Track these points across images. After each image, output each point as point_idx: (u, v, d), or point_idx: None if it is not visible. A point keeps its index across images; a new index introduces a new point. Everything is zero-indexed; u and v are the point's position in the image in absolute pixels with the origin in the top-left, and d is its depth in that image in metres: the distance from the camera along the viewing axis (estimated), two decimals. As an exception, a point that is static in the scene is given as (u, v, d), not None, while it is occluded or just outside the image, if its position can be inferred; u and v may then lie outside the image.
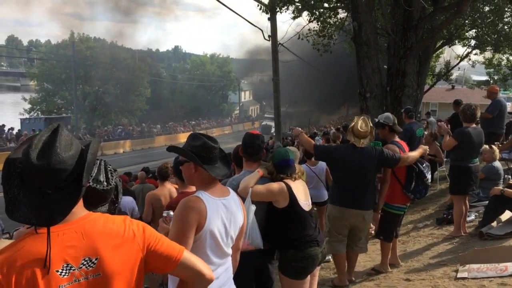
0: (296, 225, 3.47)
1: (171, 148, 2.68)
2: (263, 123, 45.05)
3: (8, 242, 2.47)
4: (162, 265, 1.71)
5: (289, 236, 3.46)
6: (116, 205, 2.25)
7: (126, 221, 1.66)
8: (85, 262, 1.52)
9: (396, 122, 5.22)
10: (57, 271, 1.48)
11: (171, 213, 2.56)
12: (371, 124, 4.68)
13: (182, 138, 39.31)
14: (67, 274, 1.49)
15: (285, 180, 3.45)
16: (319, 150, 4.90)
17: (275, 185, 3.41)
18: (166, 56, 75.60)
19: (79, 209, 1.60)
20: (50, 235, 1.48)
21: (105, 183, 2.18)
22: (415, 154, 4.88)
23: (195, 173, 2.48)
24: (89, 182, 2.17)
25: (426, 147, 5.08)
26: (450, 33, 14.71)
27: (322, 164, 6.63)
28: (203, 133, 2.77)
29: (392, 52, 9.80)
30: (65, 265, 1.49)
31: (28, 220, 1.49)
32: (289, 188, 3.41)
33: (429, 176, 5.04)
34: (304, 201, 3.50)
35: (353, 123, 4.65)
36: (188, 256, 1.75)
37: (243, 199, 3.10)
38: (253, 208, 3.24)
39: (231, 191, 2.69)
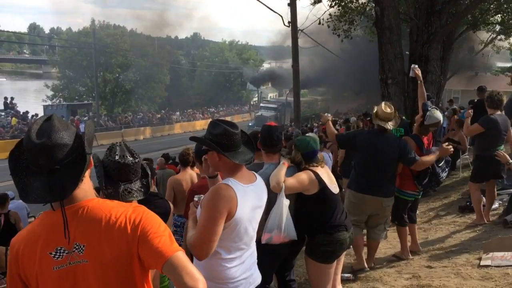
0: (327, 209, 3.47)
1: (193, 138, 2.70)
2: (257, 114, 39.28)
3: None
4: (150, 261, 1.58)
5: (319, 221, 3.46)
6: (145, 181, 2.34)
7: (126, 211, 1.62)
8: (77, 247, 1.56)
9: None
10: (51, 253, 1.55)
11: (202, 197, 2.57)
12: (393, 109, 4.67)
13: (200, 125, 39.56)
14: (60, 257, 1.55)
15: (311, 168, 3.45)
16: (341, 138, 4.90)
17: (304, 176, 3.41)
18: (185, 43, 75.49)
19: (82, 193, 1.62)
20: (52, 220, 1.58)
21: (130, 158, 2.28)
22: (431, 158, 4.72)
23: (219, 161, 2.48)
24: (116, 158, 2.26)
25: (447, 149, 4.79)
26: (474, 18, 14.35)
27: (326, 156, 6.56)
28: (223, 119, 2.76)
29: (415, 37, 9.63)
30: (58, 248, 1.55)
31: (43, 199, 1.55)
32: (317, 175, 3.42)
33: (444, 174, 5.02)
34: (332, 185, 3.49)
35: (377, 107, 4.68)
36: (179, 258, 1.54)
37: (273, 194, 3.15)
38: (286, 203, 3.26)
39: (257, 175, 2.68)
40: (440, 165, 4.96)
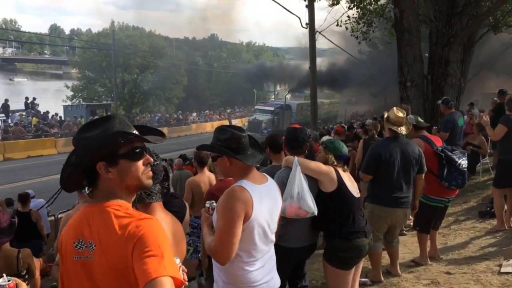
0: (344, 210, 3.41)
1: (201, 147, 2.71)
2: (251, 118, 34.13)
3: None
4: (138, 277, 1.49)
5: (339, 223, 3.42)
6: (167, 184, 2.36)
7: (134, 222, 1.57)
8: (90, 245, 1.61)
9: (419, 119, 5.19)
10: (74, 242, 1.65)
11: (214, 204, 2.58)
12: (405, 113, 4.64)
13: (217, 126, 39.52)
14: (80, 248, 1.63)
15: (335, 167, 3.46)
16: (367, 170, 4.56)
17: (323, 165, 3.43)
18: (202, 44, 75.96)
19: (103, 195, 1.67)
20: (84, 213, 1.69)
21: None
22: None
23: (230, 166, 2.50)
24: None
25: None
26: (496, 20, 14.10)
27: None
28: (228, 124, 2.78)
29: (435, 39, 9.52)
30: (80, 240, 1.63)
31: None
32: (337, 173, 3.41)
33: (461, 161, 4.85)
34: (352, 187, 3.47)
35: (389, 112, 4.64)
36: (162, 283, 1.42)
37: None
38: (299, 169, 3.25)
39: (268, 177, 2.70)
40: (454, 152, 4.88)
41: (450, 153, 4.83)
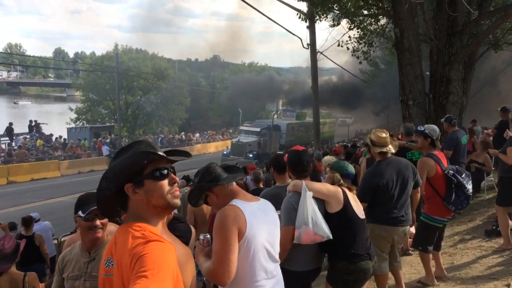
0: (349, 230, 3.39)
1: (192, 202, 2.71)
2: (234, 140, 31.35)
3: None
4: None
5: (343, 245, 3.38)
6: None
7: (142, 242, 1.59)
8: (111, 262, 1.68)
9: (439, 138, 5.12)
10: (105, 261, 1.72)
11: (208, 236, 2.63)
12: (388, 133, 4.62)
13: (220, 146, 39.59)
14: (108, 266, 1.70)
15: (342, 187, 3.45)
16: (363, 197, 4.31)
17: (332, 186, 3.42)
18: (204, 66, 76.68)
19: (132, 217, 1.74)
20: (115, 233, 1.76)
21: None
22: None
23: (217, 197, 2.59)
24: None
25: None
26: (496, 38, 14.22)
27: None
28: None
29: (435, 58, 9.58)
30: (108, 259, 1.70)
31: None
32: (344, 193, 3.40)
33: (469, 186, 4.86)
34: (358, 209, 3.45)
35: (370, 138, 4.59)
36: None
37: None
38: (309, 195, 3.23)
39: (261, 198, 2.74)
40: (462, 176, 4.85)
41: (461, 178, 4.80)
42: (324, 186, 3.41)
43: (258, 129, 31.29)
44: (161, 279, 1.47)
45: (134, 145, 1.78)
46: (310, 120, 38.94)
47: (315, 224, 3.18)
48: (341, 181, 3.49)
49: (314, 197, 3.32)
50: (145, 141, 1.82)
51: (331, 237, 3.25)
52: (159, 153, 1.71)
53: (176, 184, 1.76)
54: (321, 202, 3.38)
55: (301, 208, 3.23)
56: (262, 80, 51.93)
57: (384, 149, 4.43)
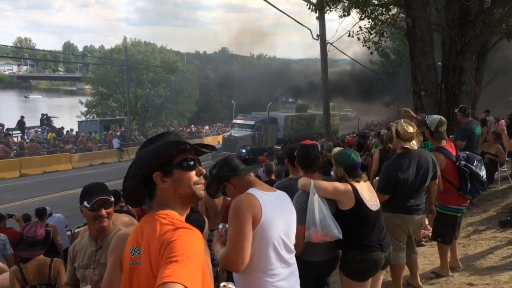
0: (363, 226, 3.38)
1: (210, 192, 2.72)
2: (226, 135, 28.79)
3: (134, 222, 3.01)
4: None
5: (355, 237, 3.37)
6: None
7: (170, 229, 1.63)
8: (139, 251, 1.71)
9: (442, 130, 4.93)
10: (130, 249, 1.75)
11: (227, 225, 2.64)
12: (415, 125, 4.47)
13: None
14: (133, 255, 1.72)
15: (351, 182, 3.38)
16: (384, 190, 4.34)
17: (340, 185, 3.36)
18: (213, 58, 76.62)
19: (158, 205, 1.76)
20: (140, 223, 1.80)
21: None
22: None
23: (236, 188, 2.61)
24: None
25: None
26: (509, 27, 14.02)
27: None
28: None
29: (448, 48, 9.48)
30: (134, 247, 1.73)
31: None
32: (354, 189, 3.34)
33: (483, 173, 4.80)
34: (370, 202, 3.42)
35: (395, 128, 4.38)
36: None
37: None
38: (316, 197, 3.22)
39: (277, 190, 2.74)
40: (474, 164, 4.78)
41: (473, 167, 4.73)
42: (331, 186, 3.34)
43: (252, 122, 28.81)
44: (190, 265, 1.49)
45: (163, 135, 1.84)
46: (312, 113, 37.44)
47: (323, 227, 3.19)
48: (346, 176, 3.39)
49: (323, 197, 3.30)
50: (173, 133, 1.90)
51: (340, 237, 3.25)
52: (188, 144, 1.75)
53: (203, 175, 1.80)
54: (332, 201, 3.36)
55: (310, 209, 3.23)
56: (278, 68, 48.97)
57: (407, 145, 4.29)
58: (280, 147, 27.09)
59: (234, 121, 30.16)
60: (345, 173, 3.41)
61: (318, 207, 3.21)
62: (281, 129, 31.45)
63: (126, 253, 1.79)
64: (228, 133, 28.62)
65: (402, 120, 4.46)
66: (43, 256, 4.11)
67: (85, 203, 2.76)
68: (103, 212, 2.76)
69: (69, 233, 9.27)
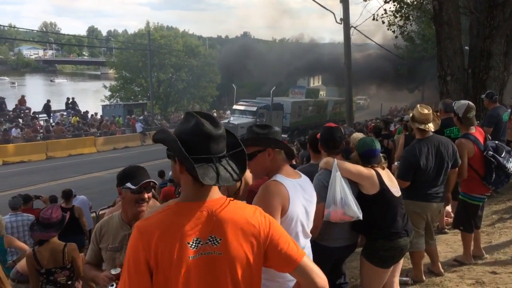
0: (387, 212, 3.37)
1: (245, 141, 2.48)
2: (224, 121, 25.14)
3: (157, 205, 2.78)
4: (281, 264, 1.78)
5: (381, 225, 3.37)
6: None
7: (256, 212, 1.77)
8: (212, 239, 1.66)
9: (470, 115, 4.84)
10: (188, 243, 1.63)
11: None
12: (431, 109, 4.44)
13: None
14: (196, 247, 1.64)
15: (374, 167, 3.38)
16: (405, 176, 4.34)
17: (364, 169, 3.35)
18: (235, 43, 76.38)
19: (214, 193, 1.74)
20: (190, 212, 1.67)
21: None
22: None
23: (270, 161, 2.50)
24: None
25: None
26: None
27: None
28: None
29: (475, 32, 9.22)
30: (195, 239, 1.64)
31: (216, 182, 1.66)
32: (378, 175, 3.34)
33: (510, 165, 4.68)
34: (393, 188, 3.40)
35: (413, 111, 4.47)
36: (307, 262, 1.78)
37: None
38: (339, 175, 3.20)
39: (301, 174, 2.69)
40: (502, 155, 4.68)
41: (501, 159, 4.63)
42: (355, 168, 3.33)
43: (254, 109, 26.57)
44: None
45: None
46: (323, 99, 35.34)
47: (344, 204, 3.17)
48: (360, 162, 3.40)
49: (345, 177, 3.28)
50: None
51: (360, 217, 3.22)
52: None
53: None
54: (354, 184, 3.34)
55: (331, 187, 3.22)
56: (306, 49, 45.49)
57: (422, 126, 4.30)
58: (286, 136, 25.33)
59: (235, 107, 27.91)
60: (359, 159, 3.42)
61: (340, 185, 3.20)
62: (288, 116, 29.29)
63: (180, 248, 1.62)
64: (226, 120, 25.77)
65: (418, 105, 4.51)
66: (58, 240, 4.15)
67: (129, 184, 2.69)
68: (145, 195, 2.72)
69: (93, 214, 9.49)
